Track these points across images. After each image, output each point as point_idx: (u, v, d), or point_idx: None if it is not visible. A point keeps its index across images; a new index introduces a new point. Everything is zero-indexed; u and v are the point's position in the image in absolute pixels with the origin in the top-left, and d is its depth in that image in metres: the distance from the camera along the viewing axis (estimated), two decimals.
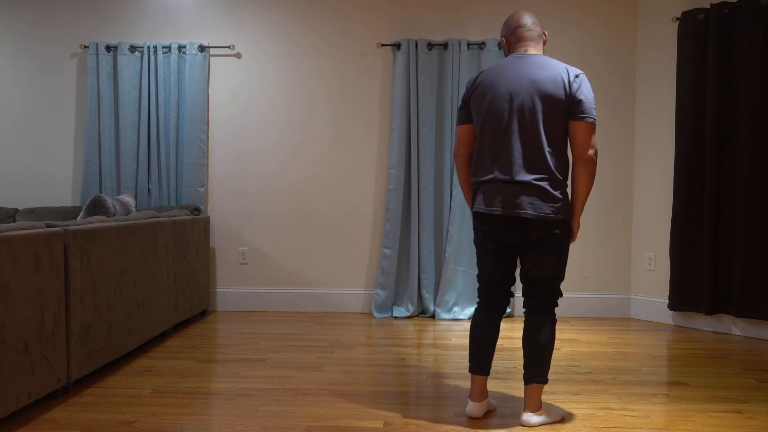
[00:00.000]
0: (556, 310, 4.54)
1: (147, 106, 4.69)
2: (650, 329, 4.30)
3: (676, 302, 4.31)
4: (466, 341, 3.89)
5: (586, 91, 2.39)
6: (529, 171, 2.39)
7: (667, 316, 4.49)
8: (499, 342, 3.88)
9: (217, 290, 4.87)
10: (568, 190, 2.50)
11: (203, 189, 4.77)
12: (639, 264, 4.67)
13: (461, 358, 3.48)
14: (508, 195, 2.40)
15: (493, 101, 2.44)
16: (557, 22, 4.68)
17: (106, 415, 2.59)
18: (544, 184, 2.39)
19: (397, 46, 4.63)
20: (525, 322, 2.54)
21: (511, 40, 2.57)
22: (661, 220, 4.51)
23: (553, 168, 2.39)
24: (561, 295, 2.54)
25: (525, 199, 2.38)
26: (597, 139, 4.68)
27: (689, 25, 4.22)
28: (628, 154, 4.69)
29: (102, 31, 4.84)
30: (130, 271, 3.35)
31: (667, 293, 4.44)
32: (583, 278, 4.73)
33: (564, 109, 2.39)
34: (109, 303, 3.12)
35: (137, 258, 3.44)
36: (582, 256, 4.72)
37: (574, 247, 4.72)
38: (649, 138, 4.59)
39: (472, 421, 2.55)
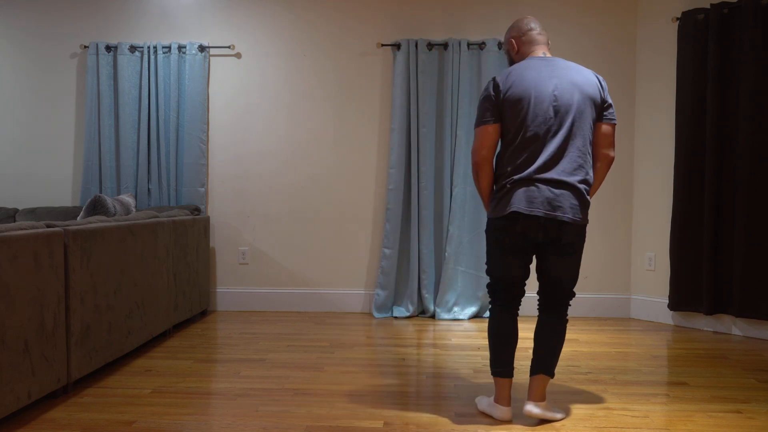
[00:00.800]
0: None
1: (147, 106, 4.69)
2: (650, 329, 4.30)
3: (676, 302, 4.31)
4: (467, 341, 3.89)
5: (609, 96, 2.57)
6: (572, 173, 2.41)
7: (667, 316, 4.49)
8: None
9: (217, 290, 4.87)
10: None
11: (203, 189, 4.77)
12: (639, 264, 4.67)
13: (461, 358, 3.48)
14: (551, 197, 2.39)
15: (538, 101, 2.41)
16: (558, 21, 4.68)
17: (106, 415, 2.59)
18: (582, 187, 2.43)
19: (397, 46, 4.63)
20: (540, 319, 2.58)
21: (523, 40, 2.58)
22: (661, 220, 4.51)
23: (588, 170, 2.45)
24: (575, 295, 2.60)
25: (566, 203, 2.40)
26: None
27: (689, 25, 4.22)
28: (629, 154, 4.69)
29: (102, 31, 4.84)
30: (130, 271, 3.35)
31: (667, 293, 4.44)
32: (583, 278, 4.72)
33: (597, 112, 2.48)
34: (109, 303, 3.12)
35: (137, 258, 3.44)
36: (582, 256, 4.72)
37: None
38: (649, 138, 4.59)
39: (473, 420, 2.54)
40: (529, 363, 3.40)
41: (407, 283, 4.65)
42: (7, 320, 2.37)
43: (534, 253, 2.55)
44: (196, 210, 4.58)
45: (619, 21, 4.66)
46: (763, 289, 3.94)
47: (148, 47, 4.69)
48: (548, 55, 2.57)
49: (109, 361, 3.14)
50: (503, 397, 2.55)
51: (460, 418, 2.57)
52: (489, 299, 2.66)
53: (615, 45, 4.66)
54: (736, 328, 4.15)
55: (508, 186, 2.44)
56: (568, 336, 4.05)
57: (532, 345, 3.78)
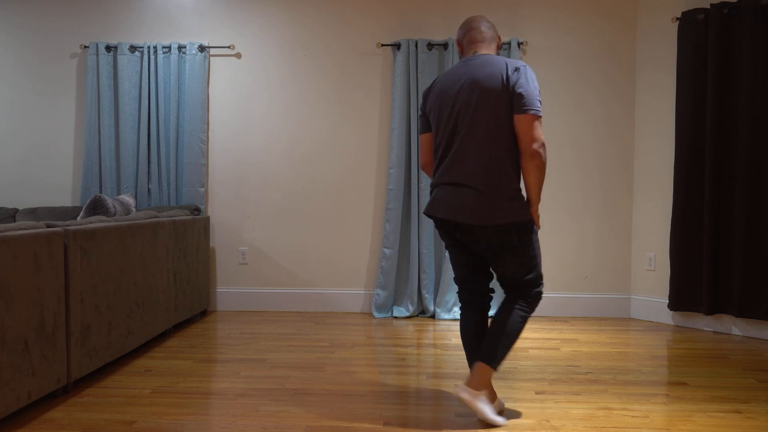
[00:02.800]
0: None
1: (147, 106, 4.69)
2: (650, 329, 4.30)
3: (676, 302, 4.31)
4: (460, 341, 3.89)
5: (525, 83, 2.34)
6: (472, 175, 2.38)
7: (667, 316, 4.49)
8: None
9: (217, 290, 4.87)
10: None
11: (203, 189, 4.77)
12: (639, 264, 4.66)
13: (461, 358, 3.48)
14: (451, 198, 2.43)
15: (442, 106, 2.49)
16: (557, 21, 4.68)
17: (106, 415, 2.59)
18: (482, 188, 2.36)
19: (397, 46, 4.63)
20: (499, 307, 2.55)
21: (464, 42, 2.61)
22: (661, 220, 4.51)
23: (495, 169, 2.36)
24: (537, 285, 2.50)
25: (465, 205, 2.38)
26: (597, 139, 4.69)
27: (689, 25, 4.22)
28: (629, 154, 4.69)
29: (102, 31, 4.84)
30: (130, 271, 3.35)
31: (667, 293, 4.44)
32: (583, 278, 4.72)
33: (505, 104, 2.35)
34: (109, 303, 3.12)
35: (137, 258, 3.44)
36: (582, 256, 4.72)
37: (574, 247, 4.72)
38: (649, 138, 4.58)
39: (473, 420, 2.54)
40: (523, 364, 3.40)
41: (407, 283, 4.65)
42: (7, 320, 2.37)
43: (471, 253, 2.56)
44: (196, 210, 4.58)
45: (618, 21, 4.66)
46: (763, 289, 3.94)
47: (148, 47, 4.69)
48: (480, 53, 2.52)
49: (109, 361, 3.14)
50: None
51: (460, 418, 2.57)
52: None
53: (615, 45, 4.66)
54: (736, 328, 4.15)
55: (431, 189, 2.59)
56: (568, 336, 4.05)
57: (522, 346, 3.79)
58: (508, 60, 2.41)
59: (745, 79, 3.96)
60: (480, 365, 2.45)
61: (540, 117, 2.35)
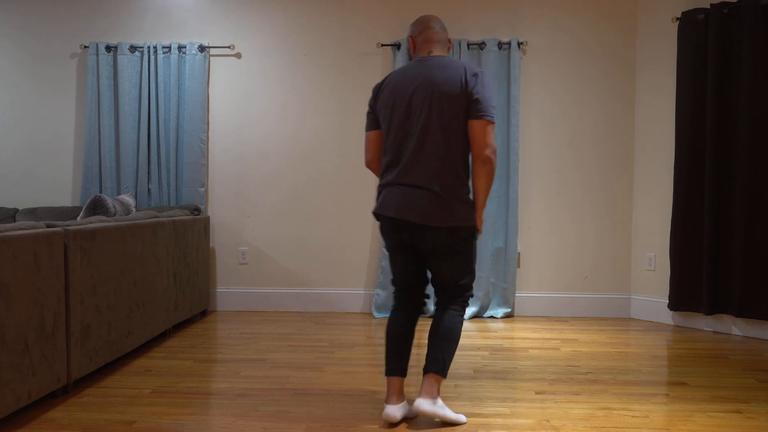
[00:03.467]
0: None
1: (147, 106, 4.69)
2: (650, 329, 4.30)
3: (676, 302, 4.31)
4: (467, 341, 3.89)
5: (482, 90, 2.36)
6: (428, 177, 2.38)
7: (667, 316, 4.49)
8: (500, 342, 3.88)
9: (217, 290, 4.87)
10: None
11: (203, 189, 4.77)
12: (639, 264, 4.66)
13: (461, 358, 3.48)
14: (403, 198, 2.41)
15: (397, 105, 2.45)
16: (557, 20, 4.68)
17: (106, 415, 2.59)
18: (438, 189, 2.37)
19: (397, 46, 4.63)
20: (435, 313, 2.56)
21: (418, 41, 2.58)
22: (661, 220, 4.51)
23: (450, 171, 2.38)
24: (470, 289, 2.55)
25: (418, 206, 2.37)
26: (597, 139, 4.69)
27: (689, 25, 4.22)
28: (628, 154, 4.69)
29: (102, 31, 4.84)
30: (130, 271, 3.35)
31: (667, 293, 4.44)
32: (583, 278, 4.73)
33: (462, 108, 2.37)
34: (109, 303, 3.12)
35: (137, 258, 3.44)
36: (582, 256, 4.72)
37: (574, 247, 4.72)
38: (649, 138, 4.59)
39: (473, 421, 2.54)
40: (523, 364, 3.41)
41: None
42: (7, 320, 2.37)
43: (415, 254, 2.52)
44: (196, 210, 4.58)
45: (619, 21, 4.66)
46: (763, 289, 3.94)
47: (148, 47, 4.69)
48: (435, 53, 2.53)
49: (109, 361, 3.14)
50: (393, 394, 2.50)
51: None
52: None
53: (615, 45, 4.66)
54: (736, 328, 4.15)
55: (378, 190, 2.53)
56: (568, 336, 4.05)
57: (522, 346, 3.79)
58: (467, 64, 2.44)
59: (745, 79, 3.96)
60: (432, 376, 2.46)
61: (493, 123, 2.38)
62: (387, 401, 2.50)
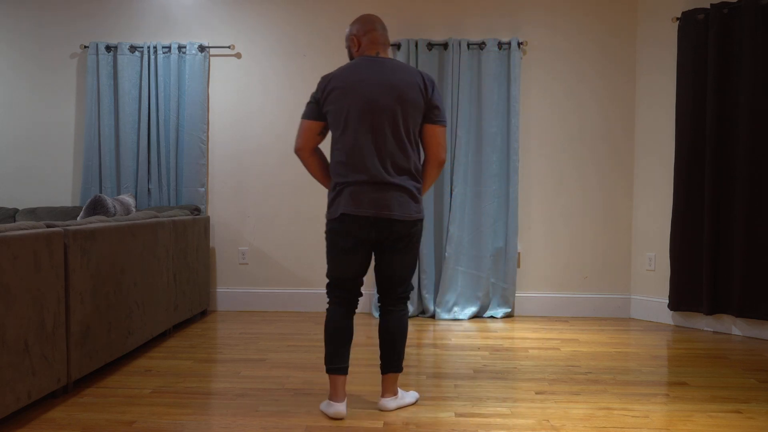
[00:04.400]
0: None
1: (147, 106, 4.69)
2: (650, 329, 4.30)
3: (676, 302, 4.31)
4: (467, 341, 3.89)
5: (439, 97, 2.56)
6: (397, 173, 2.47)
7: (667, 316, 4.49)
8: (500, 342, 3.88)
9: (217, 290, 4.87)
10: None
11: (203, 189, 4.77)
12: (639, 264, 4.66)
13: (461, 358, 3.48)
14: (377, 196, 2.45)
15: (356, 104, 2.46)
16: (557, 20, 4.68)
17: (106, 415, 2.59)
18: (409, 184, 2.49)
19: (397, 46, 4.63)
20: (382, 315, 2.64)
21: (363, 41, 2.61)
22: (661, 220, 4.51)
23: (413, 169, 2.51)
24: (412, 287, 2.70)
25: (394, 201, 2.46)
26: (597, 138, 4.70)
27: (689, 25, 4.22)
28: (629, 155, 4.69)
29: (102, 31, 4.84)
30: (130, 271, 3.35)
31: (667, 293, 4.44)
32: (583, 278, 4.73)
33: (421, 112, 2.51)
34: (109, 303, 3.12)
35: (137, 258, 3.44)
36: (582, 256, 4.72)
37: (574, 247, 4.72)
38: (650, 138, 4.59)
39: (473, 421, 2.54)
40: (523, 364, 3.40)
41: None
42: (7, 320, 2.37)
43: (370, 252, 2.58)
44: (196, 210, 4.58)
45: (619, 21, 4.66)
46: (763, 289, 3.94)
47: (148, 47, 4.69)
48: (382, 55, 2.59)
49: (109, 361, 3.14)
50: (339, 393, 2.57)
51: (460, 418, 2.57)
52: (327, 299, 2.70)
53: (615, 45, 4.66)
54: (736, 328, 4.15)
55: (337, 189, 2.52)
56: (568, 336, 4.06)
57: (522, 346, 3.79)
58: (420, 70, 2.56)
59: (745, 79, 3.96)
60: (391, 376, 2.64)
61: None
62: (335, 399, 2.57)
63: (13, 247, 2.40)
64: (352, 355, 3.54)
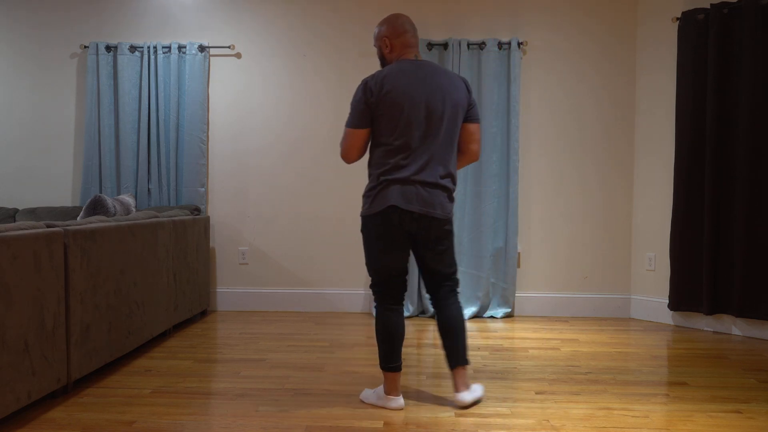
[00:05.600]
0: None
1: (147, 106, 4.69)
2: (650, 329, 4.30)
3: (676, 302, 4.31)
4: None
5: (474, 97, 2.71)
6: (442, 174, 2.58)
7: (667, 316, 4.49)
8: (500, 342, 3.88)
9: (217, 290, 4.87)
10: None
11: (203, 189, 4.77)
12: (639, 264, 4.66)
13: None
14: (424, 194, 2.54)
15: (411, 107, 2.52)
16: (557, 20, 4.68)
17: (106, 415, 2.59)
18: (450, 185, 2.61)
19: None
20: (438, 310, 2.72)
21: (395, 43, 2.66)
22: (661, 220, 4.51)
23: (453, 170, 2.63)
24: (458, 281, 2.77)
25: (437, 201, 2.57)
26: (597, 138, 4.71)
27: (689, 25, 4.21)
28: (629, 154, 4.69)
29: (102, 31, 4.84)
30: (130, 271, 3.35)
31: (667, 293, 4.44)
32: (583, 278, 4.73)
33: (464, 113, 2.63)
34: (109, 303, 3.12)
35: (137, 258, 3.44)
36: (582, 256, 4.72)
37: (574, 247, 4.72)
38: (650, 138, 4.59)
39: (473, 420, 2.55)
40: (523, 364, 3.40)
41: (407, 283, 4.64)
42: (7, 320, 2.37)
43: (410, 246, 2.65)
44: (196, 210, 4.58)
45: (619, 21, 4.66)
46: (763, 289, 3.94)
47: (148, 47, 4.69)
48: (419, 58, 2.67)
49: (109, 361, 3.14)
50: (395, 389, 2.68)
51: (459, 418, 2.57)
52: (374, 299, 2.72)
53: (615, 45, 4.66)
54: (736, 328, 4.15)
55: (383, 184, 2.55)
56: (568, 336, 4.06)
57: (522, 346, 3.78)
58: (457, 74, 2.71)
59: (745, 80, 3.96)
60: (461, 369, 2.69)
61: None
62: (395, 393, 2.67)
63: (13, 247, 2.40)
64: (351, 355, 3.55)
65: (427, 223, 2.56)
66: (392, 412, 2.64)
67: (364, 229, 2.64)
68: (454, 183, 2.63)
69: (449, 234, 2.66)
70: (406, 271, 2.67)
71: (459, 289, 2.77)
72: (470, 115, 2.65)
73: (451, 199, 2.63)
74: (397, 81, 2.53)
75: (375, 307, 2.71)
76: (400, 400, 2.68)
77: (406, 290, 2.70)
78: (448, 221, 2.63)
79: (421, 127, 2.53)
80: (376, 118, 2.56)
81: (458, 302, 2.73)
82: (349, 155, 2.63)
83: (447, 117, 2.55)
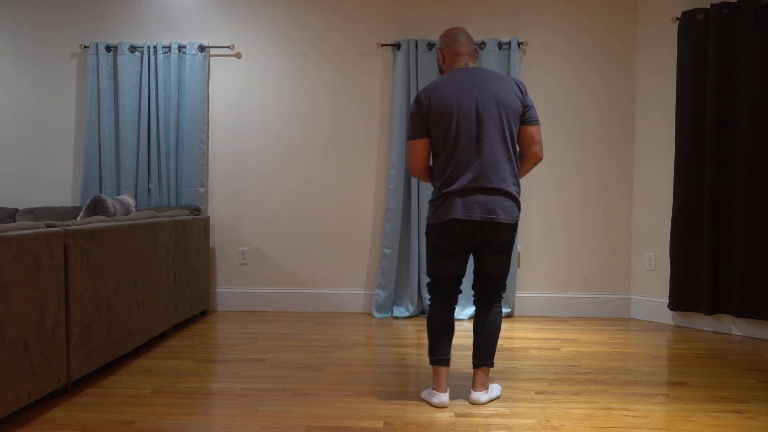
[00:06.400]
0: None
1: (147, 106, 4.69)
2: (650, 329, 4.30)
3: (676, 302, 4.31)
4: (466, 341, 3.89)
5: (530, 98, 2.70)
6: (502, 178, 2.59)
7: (667, 316, 4.49)
8: (500, 342, 3.88)
9: (217, 290, 4.87)
10: None
11: (203, 189, 4.77)
12: (639, 264, 4.67)
13: (461, 358, 3.48)
14: (486, 200, 2.58)
15: (461, 114, 2.58)
16: (557, 21, 4.68)
17: (106, 415, 2.59)
18: (513, 189, 2.62)
19: (397, 46, 4.63)
20: (480, 312, 2.78)
21: (447, 53, 2.76)
22: (661, 220, 4.51)
23: (514, 173, 2.64)
24: (506, 287, 2.86)
25: (499, 206, 2.59)
26: (597, 138, 4.71)
27: (689, 25, 4.22)
28: (629, 154, 4.70)
29: (102, 31, 4.84)
30: (130, 271, 3.35)
31: (667, 293, 4.44)
32: (583, 278, 4.73)
33: (519, 116, 2.65)
34: (109, 303, 3.12)
35: (137, 258, 3.44)
36: (582, 256, 4.72)
37: (574, 247, 4.72)
38: (650, 138, 4.59)
39: (473, 420, 2.55)
40: (523, 364, 3.40)
41: (407, 283, 4.65)
42: (7, 320, 2.37)
43: (470, 253, 2.72)
44: (196, 210, 4.58)
45: (619, 21, 4.66)
46: (763, 289, 3.95)
47: (148, 47, 4.69)
48: (471, 65, 2.71)
49: (109, 361, 3.14)
50: (443, 383, 2.72)
51: (459, 418, 2.57)
52: (428, 296, 2.82)
53: (615, 45, 4.66)
54: (736, 328, 4.15)
55: (444, 195, 2.62)
56: (568, 336, 4.06)
57: (522, 346, 3.79)
58: (511, 77, 2.72)
59: (745, 80, 3.96)
60: (484, 369, 2.76)
61: None
62: (440, 389, 2.71)
63: (13, 247, 2.40)
64: (352, 355, 3.55)
65: (491, 229, 2.59)
66: (392, 411, 2.64)
67: (427, 234, 2.73)
68: (517, 187, 2.64)
69: (513, 240, 2.69)
70: (462, 275, 2.75)
71: (503, 295, 2.84)
72: (527, 117, 2.66)
73: (518, 204, 2.63)
74: (445, 91, 2.61)
75: (429, 300, 2.80)
76: (442, 397, 2.70)
77: (460, 292, 2.79)
78: (514, 226, 2.65)
79: (473, 134, 2.57)
80: (429, 129, 2.64)
81: (501, 308, 2.81)
82: (413, 167, 2.72)
83: (501, 121, 2.58)
